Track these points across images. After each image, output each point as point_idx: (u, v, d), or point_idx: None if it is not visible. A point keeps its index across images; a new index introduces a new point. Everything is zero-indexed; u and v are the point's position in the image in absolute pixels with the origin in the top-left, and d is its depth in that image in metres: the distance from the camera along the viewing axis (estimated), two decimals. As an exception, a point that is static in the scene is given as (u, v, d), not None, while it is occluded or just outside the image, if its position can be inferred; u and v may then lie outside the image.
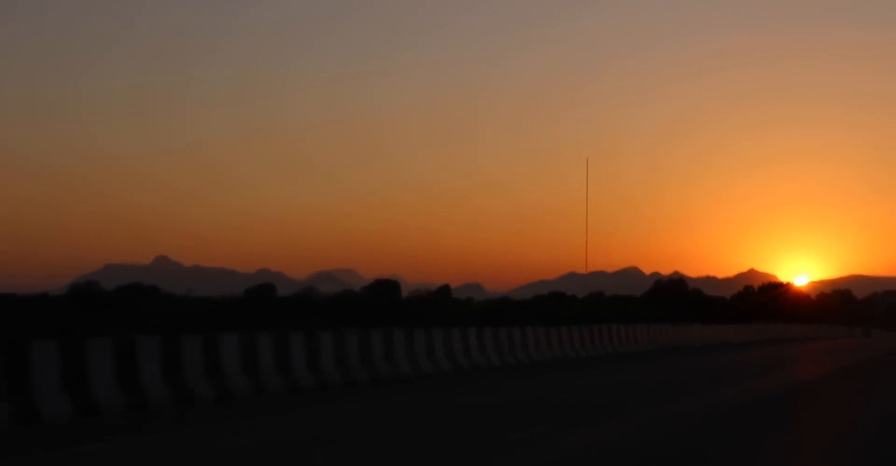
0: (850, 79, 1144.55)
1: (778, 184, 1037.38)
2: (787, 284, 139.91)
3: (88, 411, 19.78)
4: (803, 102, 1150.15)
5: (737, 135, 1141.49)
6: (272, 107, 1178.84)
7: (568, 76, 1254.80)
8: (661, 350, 54.47)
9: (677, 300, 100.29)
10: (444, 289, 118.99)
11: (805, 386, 29.26)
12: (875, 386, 30.03)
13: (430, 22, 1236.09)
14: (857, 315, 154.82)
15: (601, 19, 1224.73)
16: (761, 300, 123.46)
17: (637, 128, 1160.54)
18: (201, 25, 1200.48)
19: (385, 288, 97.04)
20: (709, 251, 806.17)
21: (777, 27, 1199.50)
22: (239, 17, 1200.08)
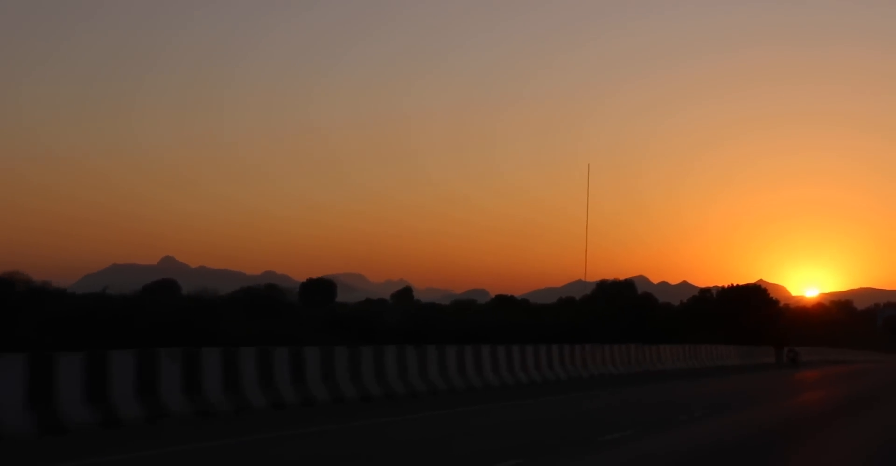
0: (861, 100, 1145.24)
1: (794, 196, 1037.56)
2: (756, 288, 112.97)
3: (110, 422, 19.43)
4: (820, 122, 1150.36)
5: (754, 152, 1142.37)
6: (300, 110, 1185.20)
7: (591, 90, 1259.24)
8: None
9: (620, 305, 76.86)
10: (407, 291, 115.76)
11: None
12: None
13: (455, 37, 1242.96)
14: (854, 328, 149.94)
15: (628, 35, 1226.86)
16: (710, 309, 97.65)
17: (655, 142, 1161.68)
18: (238, 32, 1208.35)
19: (319, 289, 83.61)
20: (719, 261, 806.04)
21: (797, 50, 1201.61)
22: (275, 25, 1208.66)
